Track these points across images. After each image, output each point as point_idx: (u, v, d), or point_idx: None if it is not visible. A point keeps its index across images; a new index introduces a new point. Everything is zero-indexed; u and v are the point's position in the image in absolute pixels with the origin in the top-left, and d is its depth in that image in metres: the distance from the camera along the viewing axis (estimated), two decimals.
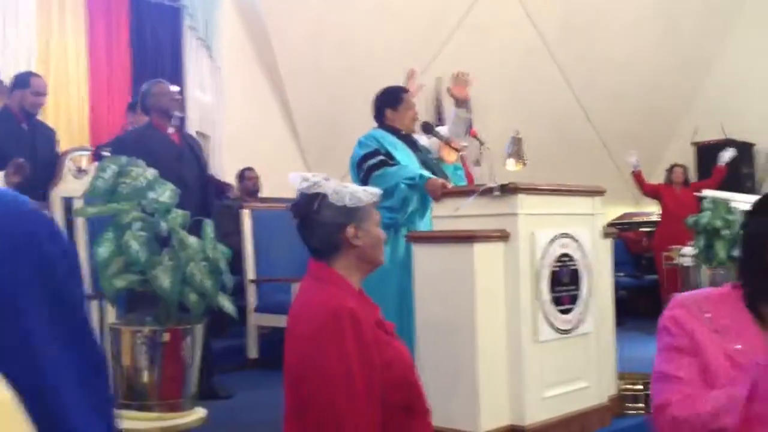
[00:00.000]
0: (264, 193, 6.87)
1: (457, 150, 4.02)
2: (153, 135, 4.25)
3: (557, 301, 3.27)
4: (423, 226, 3.69)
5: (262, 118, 8.10)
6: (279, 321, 5.29)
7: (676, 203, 7.05)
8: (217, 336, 4.93)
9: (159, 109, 4.31)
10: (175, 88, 4.48)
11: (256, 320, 5.39)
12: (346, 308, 1.96)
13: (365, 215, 2.11)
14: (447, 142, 3.91)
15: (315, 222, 2.09)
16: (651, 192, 7.44)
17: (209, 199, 4.52)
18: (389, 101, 3.93)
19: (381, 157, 3.69)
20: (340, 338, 1.93)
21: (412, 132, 3.94)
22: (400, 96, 3.93)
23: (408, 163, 3.71)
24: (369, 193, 2.13)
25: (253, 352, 5.37)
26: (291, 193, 7.30)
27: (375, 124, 3.95)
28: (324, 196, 2.09)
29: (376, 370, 1.96)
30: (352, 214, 2.08)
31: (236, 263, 4.45)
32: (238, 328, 5.53)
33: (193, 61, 7.60)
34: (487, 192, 3.18)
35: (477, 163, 4.51)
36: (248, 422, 3.93)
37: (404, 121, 3.89)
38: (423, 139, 4.02)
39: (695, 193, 6.29)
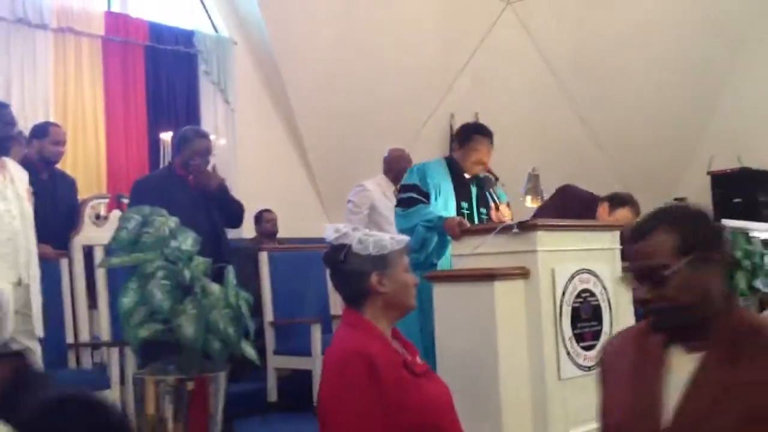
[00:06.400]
0: (281, 233, 6.86)
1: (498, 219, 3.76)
2: (174, 181, 4.26)
3: (579, 337, 3.25)
4: (441, 265, 3.68)
5: (277, 161, 8.14)
6: (298, 363, 5.24)
7: None
8: (236, 380, 4.89)
9: (188, 163, 4.28)
10: (210, 146, 4.43)
11: (275, 363, 5.36)
12: (365, 353, 2.03)
13: (391, 262, 2.17)
14: (497, 206, 3.77)
15: (343, 271, 2.17)
16: None
17: (225, 244, 4.52)
18: (459, 136, 3.86)
19: (411, 194, 3.67)
20: (357, 380, 1.99)
21: (472, 174, 3.79)
22: (470, 135, 3.83)
23: (442, 209, 3.64)
24: (395, 241, 2.19)
25: (273, 396, 5.32)
26: (308, 234, 7.20)
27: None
28: (349, 246, 2.15)
29: (394, 412, 2.00)
30: (376, 262, 2.15)
31: (255, 306, 4.44)
32: (257, 371, 5.49)
33: (208, 105, 7.69)
34: (506, 229, 3.18)
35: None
36: None
37: (465, 161, 3.80)
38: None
39: None
